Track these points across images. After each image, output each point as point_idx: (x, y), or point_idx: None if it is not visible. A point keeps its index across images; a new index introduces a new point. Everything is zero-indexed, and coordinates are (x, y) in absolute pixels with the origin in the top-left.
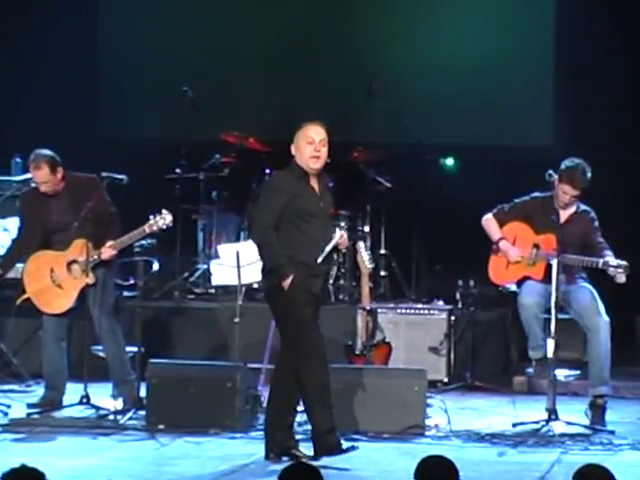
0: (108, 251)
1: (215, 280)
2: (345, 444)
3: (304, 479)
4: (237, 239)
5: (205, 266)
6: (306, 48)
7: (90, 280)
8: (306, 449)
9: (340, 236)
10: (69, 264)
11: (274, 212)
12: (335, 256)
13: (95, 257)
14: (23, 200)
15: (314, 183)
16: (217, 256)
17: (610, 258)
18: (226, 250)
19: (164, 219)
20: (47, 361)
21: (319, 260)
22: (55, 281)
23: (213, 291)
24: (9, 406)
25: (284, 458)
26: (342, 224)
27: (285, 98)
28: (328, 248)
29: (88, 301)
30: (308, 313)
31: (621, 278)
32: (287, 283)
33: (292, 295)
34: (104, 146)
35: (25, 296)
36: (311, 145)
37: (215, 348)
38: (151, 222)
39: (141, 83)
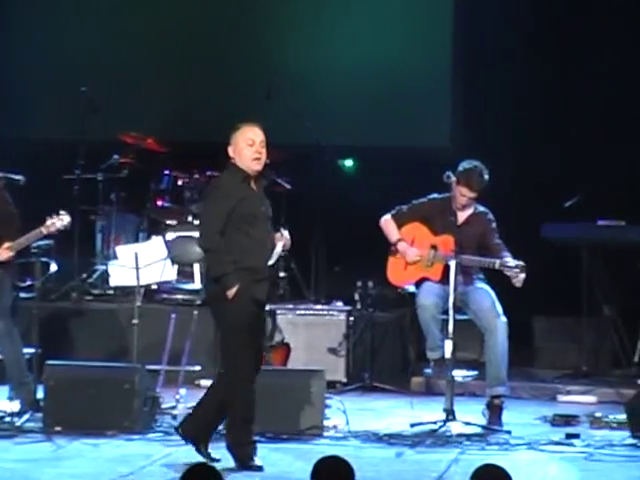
0: (5, 252)
1: (113, 281)
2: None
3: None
4: (136, 240)
5: (103, 267)
6: (205, 49)
7: None
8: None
9: (284, 237)
10: None
11: (221, 217)
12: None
13: None
14: None
15: (254, 185)
16: (115, 257)
17: (507, 259)
18: (125, 251)
19: (62, 220)
20: None
21: (270, 262)
22: None
23: (111, 292)
24: None
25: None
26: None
27: (184, 99)
28: (278, 249)
29: None
30: (248, 322)
31: (518, 279)
32: (232, 293)
33: (235, 304)
34: (3, 145)
35: None
36: (252, 147)
37: (113, 350)
38: (48, 223)
39: (39, 82)
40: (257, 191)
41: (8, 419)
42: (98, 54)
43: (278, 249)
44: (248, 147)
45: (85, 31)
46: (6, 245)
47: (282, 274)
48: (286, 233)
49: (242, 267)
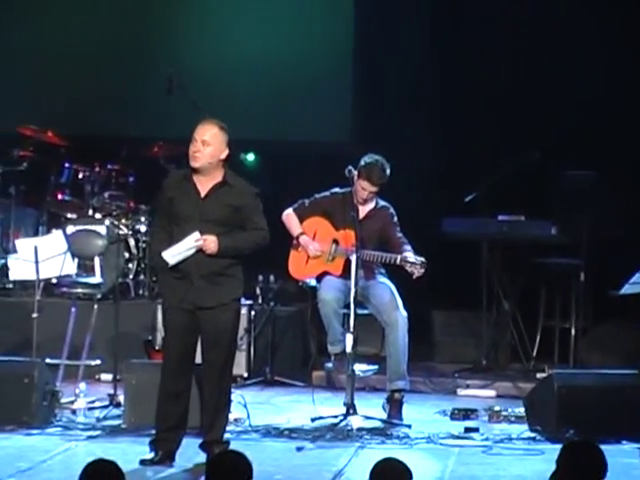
0: None
1: (13, 275)
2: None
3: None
4: (35, 234)
5: (3, 261)
6: (107, 42)
7: None
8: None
9: (197, 239)
10: None
11: (159, 213)
12: (135, 251)
13: None
14: None
15: (202, 184)
16: (15, 251)
17: (409, 254)
18: (24, 245)
19: None
20: None
21: (170, 264)
22: None
23: (11, 286)
24: None
25: None
26: (142, 218)
27: (86, 93)
28: (178, 249)
29: None
30: (171, 318)
31: (418, 273)
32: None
33: (164, 298)
34: None
35: None
36: (192, 144)
37: (13, 344)
38: None
39: None
40: (202, 190)
41: None
42: None
43: (177, 249)
44: (191, 144)
45: None
46: None
47: None
48: (200, 236)
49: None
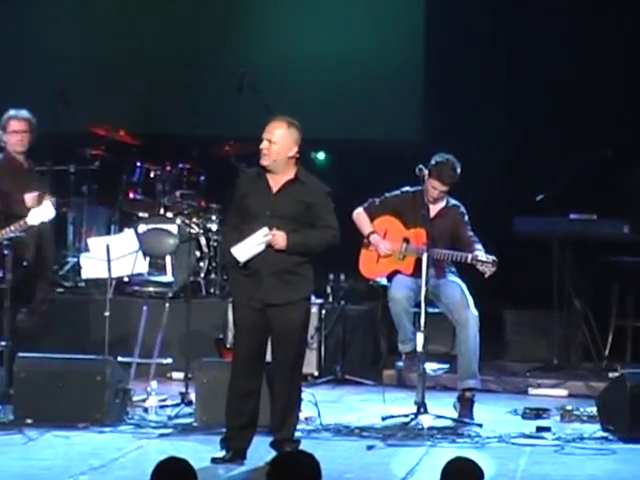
0: None
1: (85, 273)
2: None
3: (178, 475)
4: (107, 232)
5: (75, 259)
6: (179, 42)
7: None
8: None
9: (265, 234)
10: None
11: (232, 211)
12: (206, 249)
13: None
14: None
15: (274, 181)
16: (87, 249)
17: (480, 252)
18: (96, 243)
19: (46, 211)
20: None
21: (240, 261)
22: None
23: (83, 285)
24: None
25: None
26: (213, 217)
27: (157, 92)
28: (246, 245)
29: None
30: (240, 317)
31: (490, 272)
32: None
33: (234, 296)
34: None
35: None
36: (262, 142)
37: (85, 342)
38: (32, 214)
39: (10, 74)
40: (274, 187)
41: None
42: (70, 46)
43: (247, 244)
44: (261, 142)
45: (58, 24)
46: None
47: None
48: (269, 231)
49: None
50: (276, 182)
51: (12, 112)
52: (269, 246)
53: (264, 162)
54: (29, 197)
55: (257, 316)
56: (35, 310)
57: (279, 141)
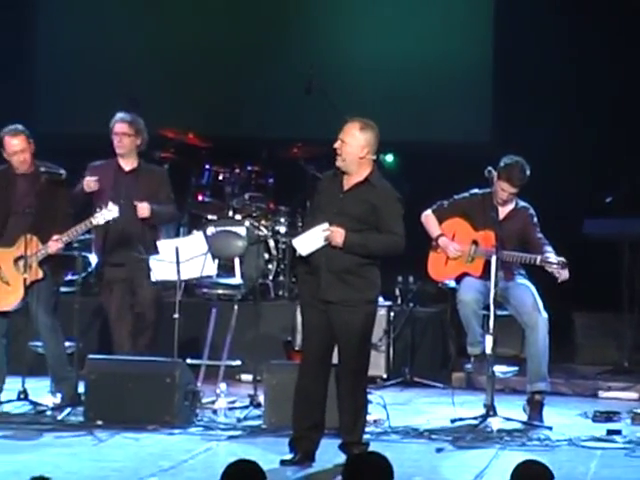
0: (55, 244)
1: (155, 276)
2: None
3: (247, 477)
4: (176, 235)
5: None
6: (246, 45)
7: (39, 276)
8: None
9: (324, 229)
10: (16, 260)
11: (310, 210)
12: (275, 252)
13: (43, 252)
14: None
15: (347, 181)
16: (156, 252)
17: (549, 254)
18: (165, 246)
19: (111, 212)
20: None
21: (301, 253)
22: (2, 278)
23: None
24: None
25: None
26: (282, 219)
27: (225, 95)
28: (306, 237)
29: (28, 297)
30: (306, 316)
31: (560, 275)
32: None
33: (299, 295)
34: (42, 140)
35: None
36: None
37: (154, 344)
38: (97, 215)
39: (80, 78)
40: (345, 187)
41: (50, 413)
42: (139, 49)
43: (307, 236)
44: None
45: (126, 27)
46: (55, 237)
47: None
48: (329, 227)
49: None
50: (348, 182)
51: (118, 115)
52: (329, 243)
53: (337, 163)
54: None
55: (321, 315)
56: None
57: (350, 141)
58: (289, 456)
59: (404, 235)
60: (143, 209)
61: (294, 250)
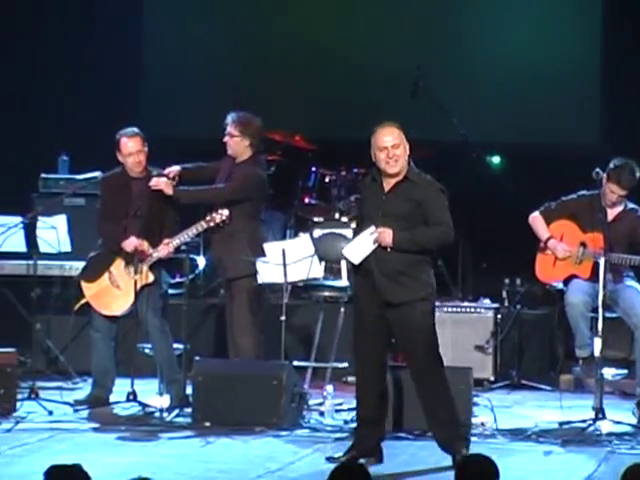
0: (165, 248)
1: (261, 278)
2: None
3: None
4: (283, 237)
5: None
6: (352, 47)
7: (150, 279)
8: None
9: (372, 232)
10: (127, 264)
11: (358, 218)
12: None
13: (154, 256)
14: (105, 182)
15: (387, 182)
16: (263, 254)
17: None
18: (272, 248)
19: (221, 215)
20: (97, 360)
21: (353, 261)
22: (113, 282)
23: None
24: (57, 402)
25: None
26: None
27: (331, 97)
28: (355, 245)
29: (137, 300)
30: (361, 319)
31: None
32: None
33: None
34: (150, 144)
35: (83, 301)
36: (383, 152)
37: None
38: (208, 218)
39: (187, 81)
40: (386, 190)
41: (158, 415)
42: (246, 52)
43: (357, 244)
44: (379, 152)
45: (233, 30)
46: (166, 241)
47: None
48: (376, 229)
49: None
50: (388, 183)
51: (231, 116)
52: (379, 245)
53: (396, 168)
54: None
55: (377, 317)
56: None
57: (402, 141)
58: (338, 454)
59: (452, 225)
60: (158, 182)
61: (348, 261)
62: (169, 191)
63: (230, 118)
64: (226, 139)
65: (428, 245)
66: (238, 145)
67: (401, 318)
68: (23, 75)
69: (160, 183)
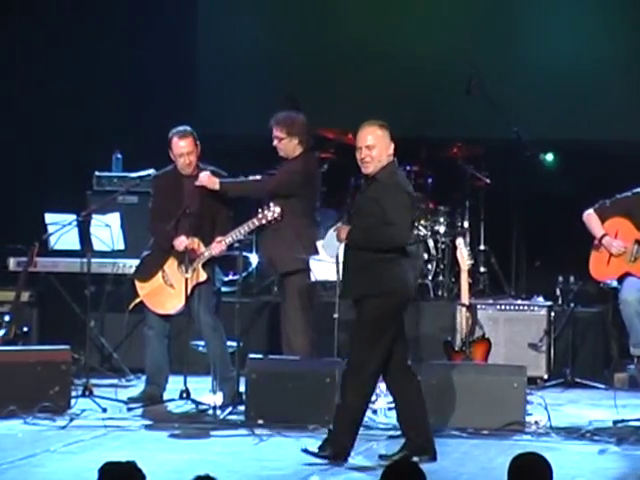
0: (218, 246)
1: (314, 276)
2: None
3: (409, 477)
4: None
5: None
6: (405, 45)
7: (202, 278)
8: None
9: (334, 229)
10: (180, 262)
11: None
12: (434, 252)
13: (206, 254)
14: (157, 181)
15: (366, 183)
16: (316, 252)
17: None
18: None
19: (273, 212)
20: (150, 358)
21: (328, 255)
22: (167, 281)
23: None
24: (112, 399)
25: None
26: (441, 219)
27: (384, 95)
28: (327, 240)
29: (190, 298)
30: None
31: None
32: None
33: None
34: (203, 142)
35: (138, 300)
36: (357, 151)
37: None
38: (260, 215)
39: (239, 80)
40: (362, 189)
41: (211, 412)
42: (298, 49)
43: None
44: (357, 152)
45: (285, 27)
46: (218, 239)
47: (482, 269)
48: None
49: None
50: (366, 182)
51: (273, 120)
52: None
53: (368, 170)
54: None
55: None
56: None
57: (377, 143)
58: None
59: (404, 226)
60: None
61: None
62: (215, 186)
63: (273, 121)
64: (275, 143)
65: (377, 244)
66: (287, 146)
67: (357, 312)
68: (79, 75)
69: (203, 180)
